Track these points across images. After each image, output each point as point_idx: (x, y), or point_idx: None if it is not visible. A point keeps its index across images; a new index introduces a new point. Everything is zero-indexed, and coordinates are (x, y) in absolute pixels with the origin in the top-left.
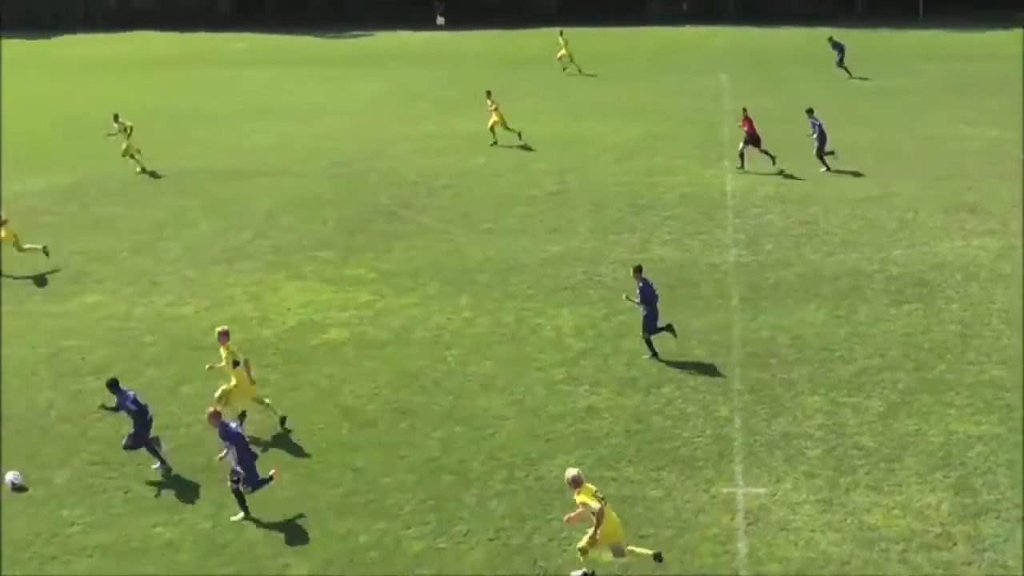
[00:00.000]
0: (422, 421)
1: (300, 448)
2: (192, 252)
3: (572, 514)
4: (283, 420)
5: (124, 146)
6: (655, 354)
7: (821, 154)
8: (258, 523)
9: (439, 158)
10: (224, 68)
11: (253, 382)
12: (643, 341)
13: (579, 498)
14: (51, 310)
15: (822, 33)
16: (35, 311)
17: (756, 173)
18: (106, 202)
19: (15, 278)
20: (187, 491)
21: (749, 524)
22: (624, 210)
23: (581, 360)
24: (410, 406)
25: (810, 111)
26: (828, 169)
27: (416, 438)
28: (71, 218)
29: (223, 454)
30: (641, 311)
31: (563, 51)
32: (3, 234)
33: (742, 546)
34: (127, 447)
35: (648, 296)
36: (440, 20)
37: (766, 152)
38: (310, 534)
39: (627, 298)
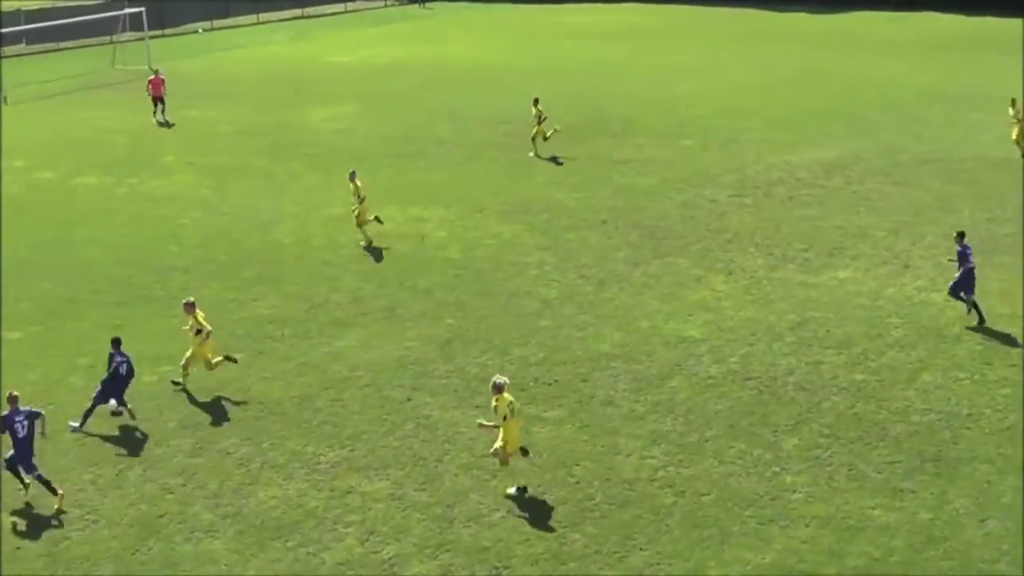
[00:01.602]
0: None
1: None
2: (951, 239)
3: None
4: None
5: (536, 129)
6: (973, 306)
7: None
8: (981, 523)
9: None
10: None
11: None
12: (949, 295)
13: (495, 403)
14: (803, 280)
15: None
16: (788, 279)
17: None
18: (870, 179)
19: (773, 246)
20: (911, 478)
21: None
22: None
23: None
24: None
25: None
26: None
27: None
28: (834, 192)
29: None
30: (957, 273)
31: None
32: (358, 211)
33: None
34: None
35: (964, 260)
36: None
37: None
38: None
39: (949, 260)
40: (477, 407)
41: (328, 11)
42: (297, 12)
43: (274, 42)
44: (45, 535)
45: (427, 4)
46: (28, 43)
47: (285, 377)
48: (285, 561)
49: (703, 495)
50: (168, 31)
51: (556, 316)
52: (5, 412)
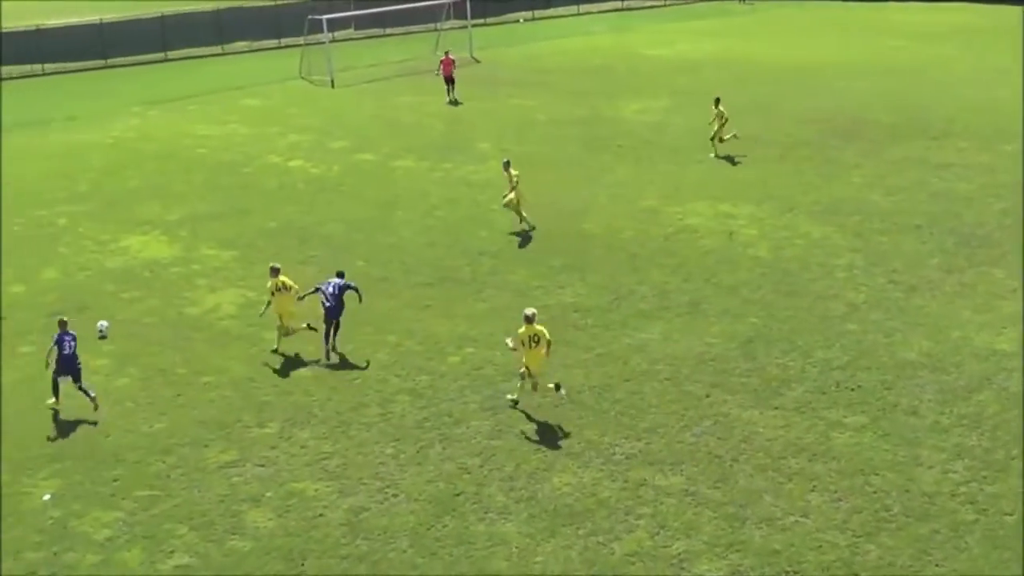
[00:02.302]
0: None
1: None
2: None
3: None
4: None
5: (715, 130)
6: None
7: None
8: None
9: None
10: None
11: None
12: None
13: (520, 331)
14: None
15: None
16: None
17: None
18: None
19: None
20: None
21: None
22: None
23: None
24: None
25: None
26: None
27: None
28: None
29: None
30: None
31: None
32: (512, 197)
33: None
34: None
35: None
36: None
37: None
38: None
39: None
40: (776, 408)
41: (647, 3)
42: (617, 4)
43: (593, 33)
44: (346, 503)
45: (748, 0)
46: (356, 28)
47: (586, 366)
48: (575, 548)
49: (1006, 515)
50: (490, 20)
51: (863, 320)
52: (56, 333)
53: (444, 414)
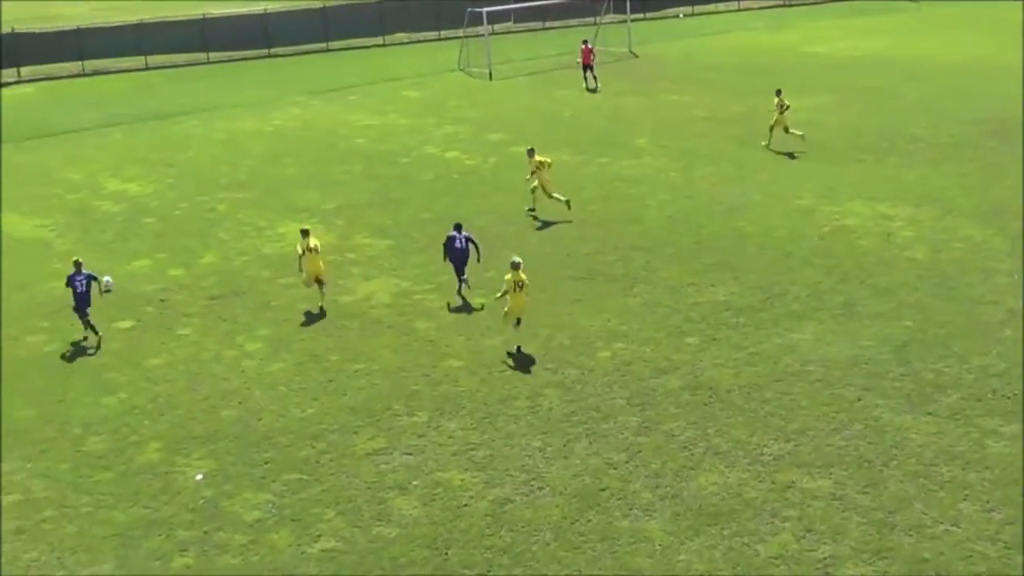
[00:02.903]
0: None
1: None
2: None
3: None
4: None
5: (775, 120)
6: None
7: None
8: None
9: None
10: None
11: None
12: None
13: (507, 277)
14: None
15: None
16: None
17: None
18: None
19: None
20: None
21: None
22: None
23: None
24: None
25: None
26: None
27: None
28: None
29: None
30: None
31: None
32: (536, 182)
33: None
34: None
35: None
36: None
37: None
38: None
39: None
40: (929, 414)
41: (809, 0)
42: (778, 0)
43: (753, 29)
44: (492, 494)
45: None
46: (516, 21)
47: (736, 365)
48: (719, 548)
49: None
50: (649, 15)
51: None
52: (71, 273)
53: (592, 409)
